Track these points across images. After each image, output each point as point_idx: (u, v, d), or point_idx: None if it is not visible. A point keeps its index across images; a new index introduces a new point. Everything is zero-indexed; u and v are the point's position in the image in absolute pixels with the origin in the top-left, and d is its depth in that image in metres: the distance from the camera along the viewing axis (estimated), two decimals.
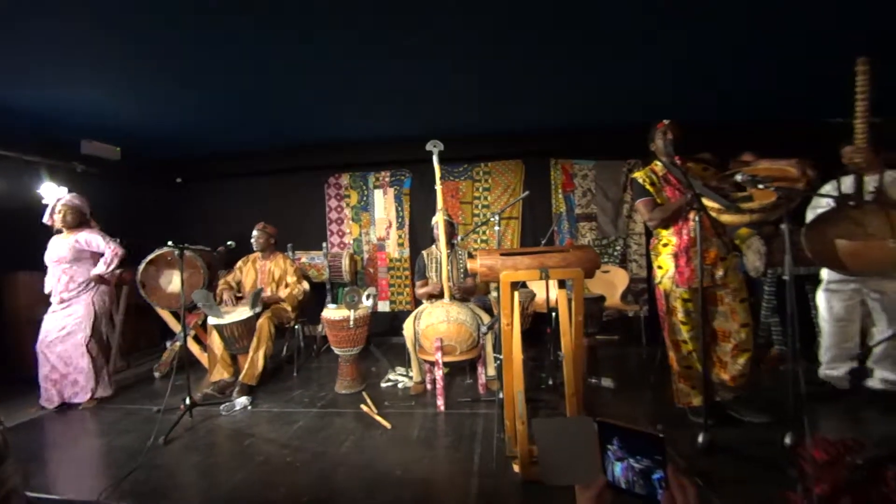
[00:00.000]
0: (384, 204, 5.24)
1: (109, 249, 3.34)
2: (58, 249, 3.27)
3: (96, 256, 3.35)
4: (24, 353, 3.44)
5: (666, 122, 2.47)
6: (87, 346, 3.24)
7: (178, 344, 3.73)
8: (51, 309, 3.27)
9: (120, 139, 4.16)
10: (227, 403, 3.07)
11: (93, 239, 3.33)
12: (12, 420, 3.01)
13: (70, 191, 3.58)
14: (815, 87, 3.30)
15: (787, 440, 2.11)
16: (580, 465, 0.77)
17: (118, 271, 3.48)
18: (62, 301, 3.25)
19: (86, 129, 3.86)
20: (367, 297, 3.52)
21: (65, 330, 3.22)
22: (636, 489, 0.70)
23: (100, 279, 3.35)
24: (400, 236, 5.21)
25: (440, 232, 3.30)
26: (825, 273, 2.85)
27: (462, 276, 3.55)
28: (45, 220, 3.28)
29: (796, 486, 1.72)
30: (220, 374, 3.48)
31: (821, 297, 2.90)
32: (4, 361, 3.82)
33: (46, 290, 3.28)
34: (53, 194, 3.53)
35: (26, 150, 3.86)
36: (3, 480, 0.58)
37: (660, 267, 2.54)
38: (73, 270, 3.28)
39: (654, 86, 3.33)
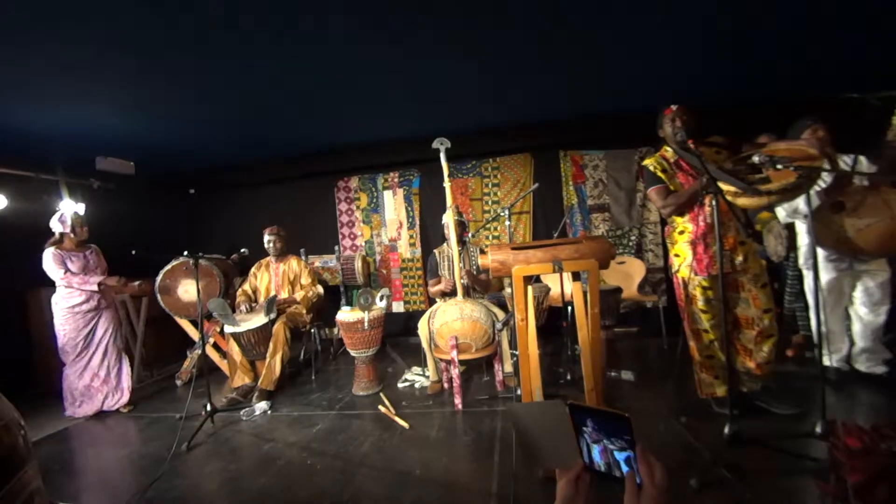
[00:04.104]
0: (394, 205, 5.24)
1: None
2: (90, 261, 3.38)
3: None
4: (50, 366, 3.53)
5: (674, 107, 2.40)
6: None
7: (197, 352, 3.80)
8: (76, 317, 3.31)
9: (133, 154, 4.24)
10: (247, 409, 3.10)
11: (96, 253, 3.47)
12: (42, 431, 3.09)
13: (86, 206, 3.67)
14: (829, 60, 3.19)
15: (818, 429, 2.04)
16: (557, 448, 0.78)
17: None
18: (97, 309, 3.37)
19: (100, 146, 3.95)
20: (381, 298, 3.52)
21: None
22: (615, 472, 0.71)
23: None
24: (411, 236, 5.20)
25: (451, 230, 3.28)
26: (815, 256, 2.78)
27: (475, 273, 3.53)
28: (66, 230, 3.31)
29: (829, 477, 1.67)
30: (242, 379, 3.53)
31: (810, 282, 2.84)
32: (30, 375, 3.93)
33: (80, 300, 3.30)
34: (71, 210, 3.61)
35: (43, 169, 3.96)
36: (25, 483, 0.58)
37: (677, 255, 2.48)
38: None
39: (657, 70, 3.26)
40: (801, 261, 3.00)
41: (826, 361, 2.79)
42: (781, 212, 2.95)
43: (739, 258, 2.32)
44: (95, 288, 3.28)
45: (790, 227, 3.09)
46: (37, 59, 2.38)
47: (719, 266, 2.02)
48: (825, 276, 2.75)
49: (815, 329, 2.40)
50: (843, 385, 2.73)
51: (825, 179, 2.61)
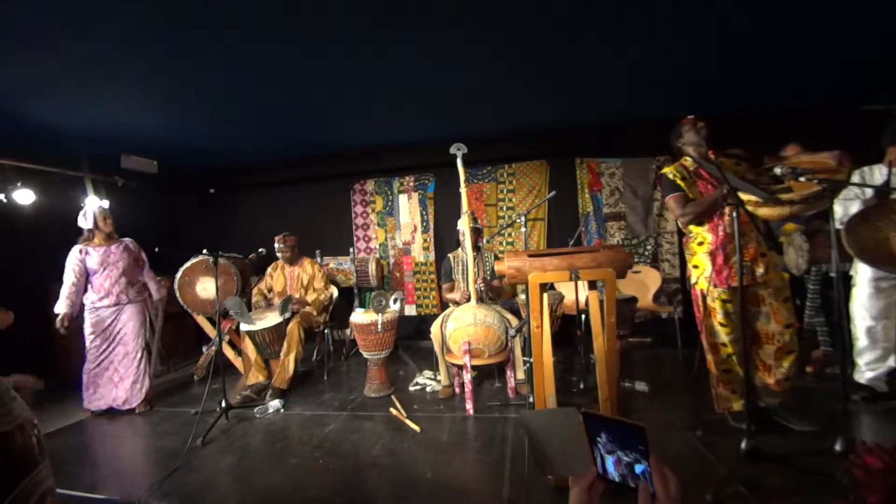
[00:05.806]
0: (409, 208, 5.27)
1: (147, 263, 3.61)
2: (111, 255, 3.39)
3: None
4: (69, 358, 3.60)
5: (691, 117, 2.41)
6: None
7: (213, 349, 3.86)
8: (98, 312, 3.36)
9: (156, 153, 4.35)
10: (260, 406, 3.14)
11: (127, 246, 3.51)
12: (60, 422, 3.18)
13: (110, 203, 3.76)
14: (847, 71, 3.14)
15: (838, 447, 2.00)
16: (571, 456, 0.79)
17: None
18: (117, 304, 3.39)
19: (125, 144, 4.05)
20: (394, 301, 3.54)
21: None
22: (629, 482, 0.71)
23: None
24: (425, 240, 5.23)
25: (466, 235, 3.29)
26: (862, 271, 2.70)
27: (489, 278, 3.53)
28: (90, 225, 3.36)
29: (848, 496, 1.63)
30: (256, 377, 3.58)
31: (858, 296, 2.75)
32: (50, 367, 4.02)
33: (98, 296, 3.33)
34: (95, 206, 3.69)
35: (70, 166, 4.08)
36: (38, 482, 0.58)
37: (695, 266, 2.45)
38: (130, 274, 3.46)
39: (677, 77, 3.24)
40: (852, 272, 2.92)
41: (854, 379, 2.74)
42: (838, 215, 2.83)
43: (760, 270, 2.28)
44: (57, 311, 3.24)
45: (811, 240, 3.03)
46: (64, 57, 2.45)
47: (739, 278, 2.00)
48: (866, 290, 2.69)
49: (839, 341, 2.34)
50: (865, 403, 2.66)
51: (867, 192, 2.58)
